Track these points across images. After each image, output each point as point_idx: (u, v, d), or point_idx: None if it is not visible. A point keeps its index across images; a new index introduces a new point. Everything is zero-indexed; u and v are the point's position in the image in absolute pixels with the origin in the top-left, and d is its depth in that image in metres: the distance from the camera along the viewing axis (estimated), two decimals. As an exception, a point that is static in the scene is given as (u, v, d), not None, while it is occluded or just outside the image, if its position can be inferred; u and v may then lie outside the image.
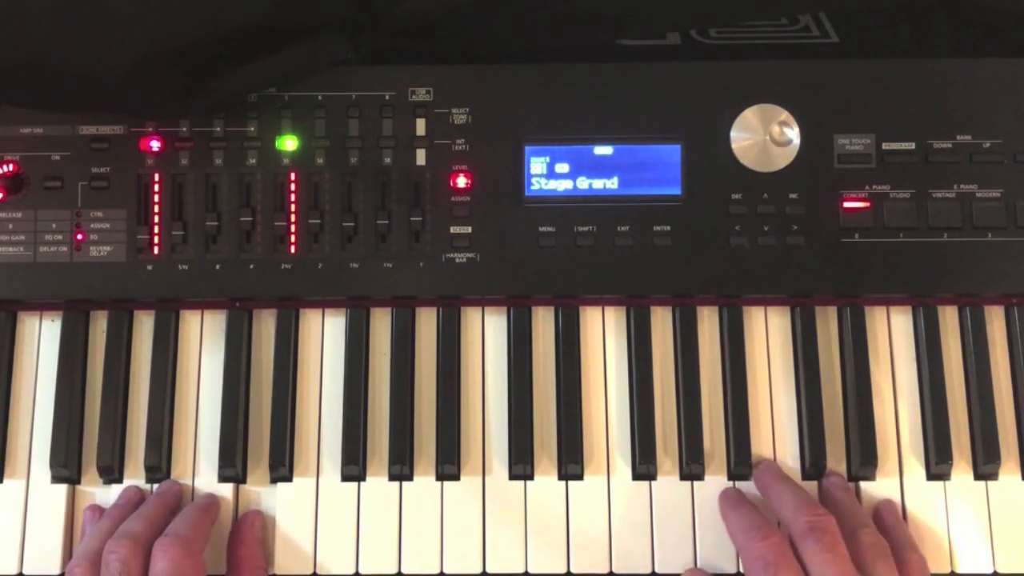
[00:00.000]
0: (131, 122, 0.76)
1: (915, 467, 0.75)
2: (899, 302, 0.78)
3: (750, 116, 0.76)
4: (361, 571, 0.73)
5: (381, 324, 0.77)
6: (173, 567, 0.66)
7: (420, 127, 0.77)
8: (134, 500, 0.73)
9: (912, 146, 0.76)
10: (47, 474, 0.75)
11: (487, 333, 0.77)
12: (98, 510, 0.74)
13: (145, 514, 0.70)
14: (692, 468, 0.74)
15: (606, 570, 0.73)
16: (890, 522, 0.72)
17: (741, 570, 0.72)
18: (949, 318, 0.78)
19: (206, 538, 0.71)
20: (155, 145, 0.76)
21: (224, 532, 0.73)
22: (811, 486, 0.74)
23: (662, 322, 0.78)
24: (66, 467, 0.74)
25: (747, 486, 0.74)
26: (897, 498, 0.74)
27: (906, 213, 0.76)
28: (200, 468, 0.75)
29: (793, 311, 0.78)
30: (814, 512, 0.67)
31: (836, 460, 0.75)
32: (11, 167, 0.76)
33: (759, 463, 0.74)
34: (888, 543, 0.68)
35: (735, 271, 0.75)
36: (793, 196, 0.76)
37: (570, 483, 0.74)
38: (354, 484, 0.74)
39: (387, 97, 0.77)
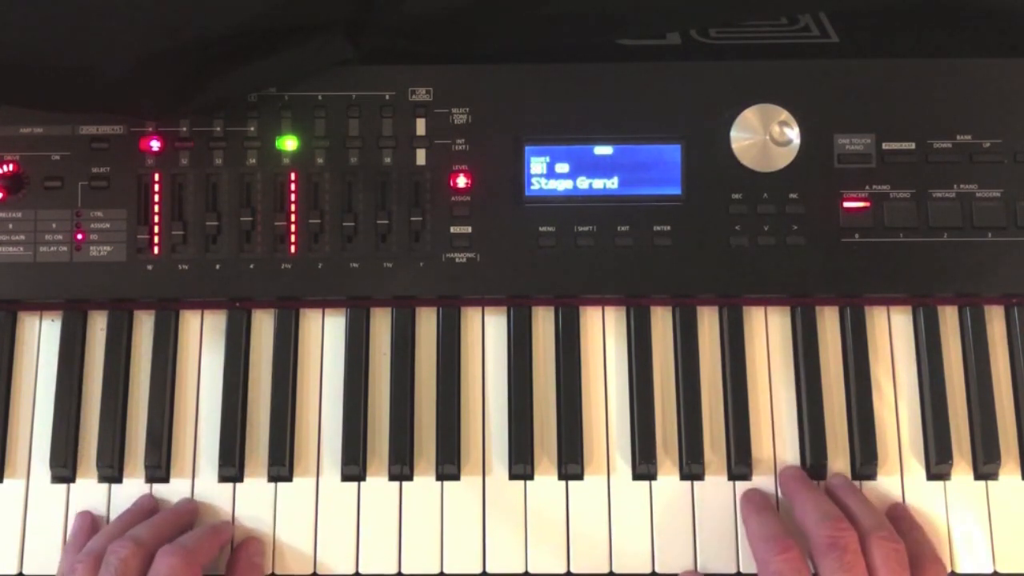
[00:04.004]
0: (131, 122, 0.76)
1: (915, 467, 0.75)
2: (899, 302, 0.78)
3: (750, 116, 0.76)
4: (361, 571, 0.73)
5: (381, 324, 0.77)
6: (171, 572, 0.65)
7: (420, 127, 0.77)
8: (147, 509, 0.73)
9: (912, 146, 0.76)
10: (47, 474, 0.75)
11: (487, 333, 0.77)
12: (88, 516, 0.73)
13: (155, 523, 0.70)
14: (692, 468, 0.74)
15: (606, 570, 0.73)
16: (905, 527, 0.72)
17: (742, 570, 0.73)
18: (949, 318, 0.78)
19: (210, 559, 0.70)
20: (155, 145, 0.76)
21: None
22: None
23: (662, 322, 0.78)
24: (66, 467, 0.74)
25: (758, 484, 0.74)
26: (897, 498, 0.74)
27: (906, 213, 0.76)
28: (200, 468, 0.75)
29: (793, 311, 0.78)
30: (836, 527, 0.67)
31: (836, 460, 0.75)
32: (11, 167, 0.76)
33: (785, 468, 0.74)
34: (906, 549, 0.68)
35: (735, 271, 0.75)
36: (793, 196, 0.76)
37: (570, 483, 0.74)
38: (354, 484, 0.74)
39: (387, 97, 0.77)
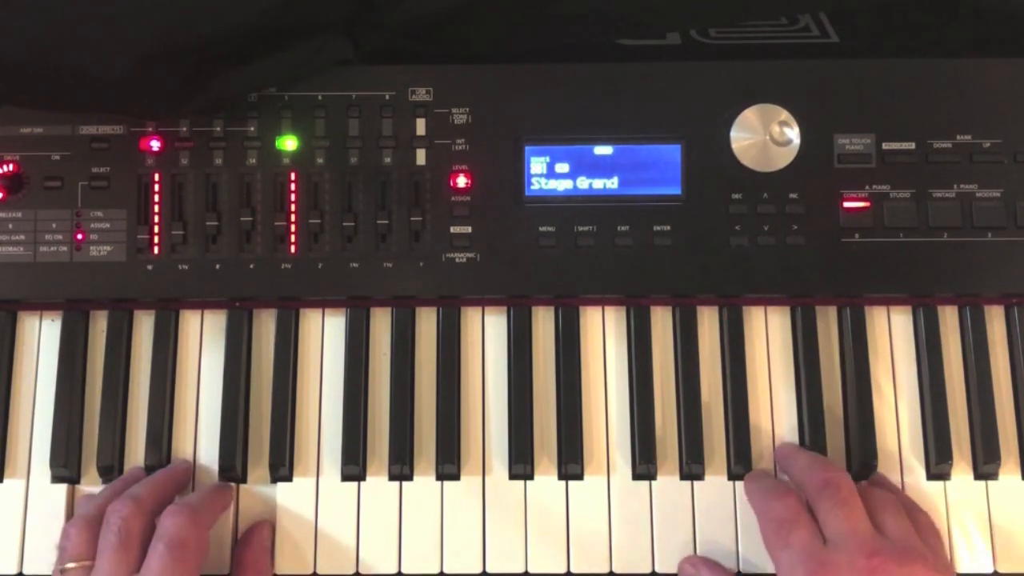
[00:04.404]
0: (131, 122, 0.76)
1: (915, 467, 0.75)
2: (899, 302, 0.78)
3: (750, 116, 0.76)
4: (361, 571, 0.73)
5: (381, 324, 0.77)
6: (179, 532, 0.65)
7: (420, 127, 0.77)
8: (137, 478, 0.73)
9: (912, 146, 0.76)
10: (47, 474, 0.75)
11: (487, 333, 0.77)
12: (91, 497, 0.73)
13: (153, 482, 0.71)
14: (692, 468, 0.74)
15: (606, 570, 0.73)
16: (887, 488, 0.73)
17: (742, 570, 0.73)
18: (949, 318, 0.78)
19: (214, 519, 0.71)
20: (155, 145, 0.76)
21: (226, 532, 0.73)
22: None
23: (662, 322, 0.78)
24: (66, 467, 0.74)
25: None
26: (897, 498, 0.75)
27: (906, 213, 0.76)
28: (200, 468, 0.75)
29: (793, 311, 0.78)
30: (827, 468, 0.68)
31: (836, 460, 0.75)
32: (11, 167, 0.76)
33: (781, 444, 0.75)
34: None
35: (735, 271, 0.75)
36: (793, 196, 0.76)
37: (570, 483, 0.74)
38: (354, 484, 0.74)
39: (387, 97, 0.77)
